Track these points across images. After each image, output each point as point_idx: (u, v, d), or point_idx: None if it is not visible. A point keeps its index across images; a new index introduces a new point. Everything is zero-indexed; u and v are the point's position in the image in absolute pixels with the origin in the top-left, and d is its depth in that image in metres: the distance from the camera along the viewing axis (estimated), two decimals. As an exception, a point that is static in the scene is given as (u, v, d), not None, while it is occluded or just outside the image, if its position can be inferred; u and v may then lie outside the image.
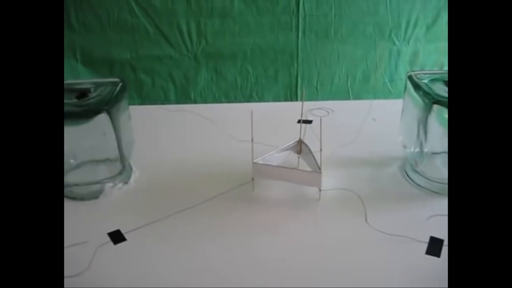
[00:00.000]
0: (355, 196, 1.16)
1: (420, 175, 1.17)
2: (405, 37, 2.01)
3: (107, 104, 1.07)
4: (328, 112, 1.60)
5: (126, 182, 1.22)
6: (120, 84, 1.15)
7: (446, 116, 1.04)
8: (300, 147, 1.19)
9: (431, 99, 1.03)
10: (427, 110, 1.05)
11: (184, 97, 2.06)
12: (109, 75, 1.96)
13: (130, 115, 1.26)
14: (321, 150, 1.09)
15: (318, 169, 1.09)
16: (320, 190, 1.10)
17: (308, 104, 1.55)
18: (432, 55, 2.02)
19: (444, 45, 2.00)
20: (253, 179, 1.15)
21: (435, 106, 1.04)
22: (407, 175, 1.20)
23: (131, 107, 1.27)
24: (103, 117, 1.08)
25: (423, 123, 1.07)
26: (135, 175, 1.27)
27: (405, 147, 1.23)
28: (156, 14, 1.94)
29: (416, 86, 1.10)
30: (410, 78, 1.14)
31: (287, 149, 1.18)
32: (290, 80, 2.05)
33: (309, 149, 1.15)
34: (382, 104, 1.79)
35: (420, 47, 2.02)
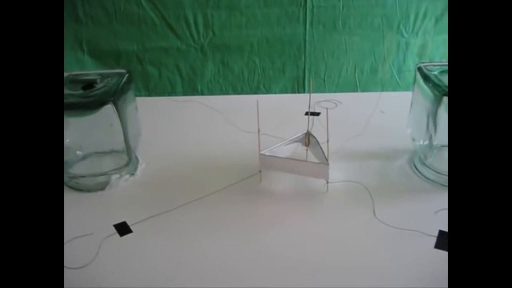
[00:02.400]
0: (363, 188, 1.15)
1: (429, 168, 1.15)
2: (414, 29, 1.98)
3: (113, 95, 1.06)
4: (336, 104, 1.58)
5: (133, 174, 1.22)
6: (126, 75, 1.15)
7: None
8: (308, 139, 1.17)
9: (441, 91, 1.02)
10: (437, 102, 1.03)
11: (191, 89, 2.05)
12: (115, 67, 1.95)
13: (137, 107, 1.26)
14: (328, 141, 1.07)
15: (325, 160, 1.08)
16: (327, 183, 1.08)
17: (316, 96, 1.53)
18: (440, 47, 1.99)
19: (453, 37, 1.97)
20: (260, 171, 1.14)
21: (445, 98, 1.02)
22: (416, 168, 1.19)
23: (138, 98, 1.27)
24: (109, 108, 1.07)
25: (433, 115, 1.06)
26: (141, 167, 1.26)
27: (414, 139, 1.21)
28: (163, 6, 1.93)
29: (426, 78, 1.09)
30: (419, 69, 1.12)
31: (295, 141, 1.17)
32: (298, 72, 2.04)
33: (317, 141, 1.14)
34: (391, 96, 1.78)
35: (429, 39, 1.99)
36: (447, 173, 1.13)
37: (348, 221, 1.07)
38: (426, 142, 1.12)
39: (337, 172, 1.18)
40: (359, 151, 1.30)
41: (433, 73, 1.09)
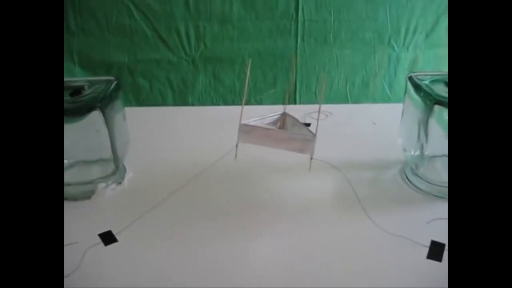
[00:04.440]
0: (354, 198, 1.13)
1: (421, 178, 1.14)
2: (405, 43, 2.00)
3: (101, 101, 1.05)
4: (326, 115, 1.57)
5: (120, 183, 1.19)
6: (115, 82, 1.13)
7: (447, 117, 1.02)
8: (283, 121, 1.13)
9: (432, 99, 1.01)
10: (428, 111, 1.03)
11: (182, 102, 2.04)
12: (106, 79, 1.94)
13: (125, 116, 1.24)
14: (319, 114, 1.05)
15: (311, 135, 1.03)
16: (311, 159, 1.03)
17: (306, 108, 1.53)
18: (431, 61, 2.00)
19: (443, 51, 1.98)
20: (236, 146, 1.08)
21: (436, 107, 1.02)
22: (408, 178, 1.18)
23: (128, 108, 1.25)
24: (96, 115, 1.06)
25: (424, 124, 1.05)
26: (129, 176, 1.24)
27: (405, 150, 1.20)
28: (155, 18, 1.93)
29: (417, 87, 1.08)
30: (410, 79, 1.12)
31: (269, 122, 1.12)
32: (289, 85, 2.04)
33: (297, 120, 1.10)
34: (382, 108, 1.77)
35: (420, 53, 2.01)
36: (438, 183, 1.12)
37: (338, 228, 1.05)
38: (418, 152, 1.11)
39: (328, 182, 1.17)
40: (350, 161, 1.29)
41: (424, 82, 1.09)
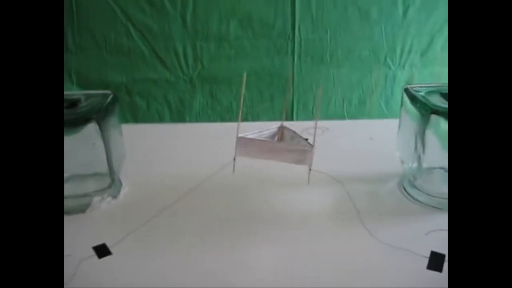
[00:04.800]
0: (353, 210, 1.12)
1: (419, 190, 1.13)
2: (400, 61, 2.02)
3: (97, 113, 1.04)
4: (323, 130, 1.57)
5: (115, 197, 1.18)
6: (111, 96, 1.13)
7: (444, 127, 1.02)
8: (282, 134, 1.13)
9: (428, 109, 1.01)
10: (425, 121, 1.03)
11: (179, 121, 2.04)
12: (103, 98, 1.94)
13: (121, 132, 1.24)
14: (316, 124, 1.05)
15: (309, 146, 1.03)
16: (310, 170, 1.02)
17: (303, 124, 1.52)
18: (427, 79, 2.02)
19: (438, 69, 2.00)
20: (234, 159, 1.08)
21: (433, 117, 1.02)
22: (406, 190, 1.17)
23: (124, 125, 1.25)
24: (92, 127, 1.05)
25: (421, 135, 1.05)
26: (125, 190, 1.22)
27: (403, 162, 1.20)
28: (153, 37, 1.95)
29: (413, 98, 1.09)
30: (406, 90, 1.12)
31: (267, 136, 1.11)
32: (286, 98, 2.04)
33: (294, 132, 1.10)
34: (379, 123, 1.77)
35: (415, 71, 2.03)
36: (437, 195, 1.11)
37: (337, 238, 1.04)
38: (415, 164, 1.10)
39: (325, 195, 1.16)
40: (347, 174, 1.28)
41: (420, 93, 1.09)
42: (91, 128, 1.05)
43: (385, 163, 1.29)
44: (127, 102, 2.01)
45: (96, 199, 1.14)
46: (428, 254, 0.96)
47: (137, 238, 1.04)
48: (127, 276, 0.94)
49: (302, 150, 1.02)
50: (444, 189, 0.91)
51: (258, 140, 1.05)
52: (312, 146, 1.01)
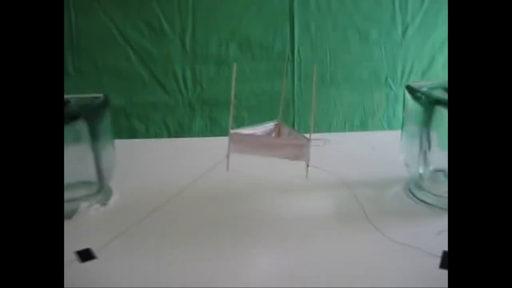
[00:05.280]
0: (361, 213, 1.05)
1: (427, 191, 1.07)
2: (402, 82, 1.98)
3: (86, 110, 1.00)
4: (324, 142, 1.52)
5: (105, 204, 1.12)
6: (102, 98, 1.10)
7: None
8: (279, 131, 1.07)
9: (432, 101, 0.97)
10: (429, 115, 0.98)
11: (178, 145, 2.00)
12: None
13: (113, 141, 1.20)
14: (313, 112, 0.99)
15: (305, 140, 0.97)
16: (308, 166, 0.96)
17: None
18: (430, 99, 1.98)
19: (441, 89, 1.97)
20: (227, 156, 1.02)
21: (437, 109, 0.97)
22: (413, 193, 1.11)
23: (119, 140, 1.22)
24: (81, 126, 1.01)
25: (426, 132, 1.00)
26: (115, 198, 1.17)
27: (407, 165, 1.14)
28: (152, 60, 1.93)
29: (416, 93, 1.05)
30: (408, 88, 1.08)
31: (262, 132, 1.06)
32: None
33: (292, 128, 1.05)
34: (380, 134, 1.73)
35: (418, 91, 1.99)
36: (444, 196, 1.05)
37: (348, 238, 0.98)
38: (421, 162, 1.05)
39: (330, 199, 1.10)
40: (351, 181, 1.22)
41: (422, 89, 1.05)
42: (80, 126, 1.01)
43: (387, 170, 1.25)
44: (126, 126, 1.97)
45: (84, 204, 1.08)
46: (439, 254, 0.89)
47: (125, 242, 0.97)
48: (112, 279, 0.87)
49: (299, 145, 0.97)
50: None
51: (253, 135, 1.01)
52: (308, 140, 0.96)
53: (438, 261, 0.88)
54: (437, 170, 1.09)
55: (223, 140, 1.68)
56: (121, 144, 1.21)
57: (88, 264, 0.92)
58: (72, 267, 0.91)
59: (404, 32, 1.95)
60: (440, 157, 1.05)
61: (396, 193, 1.15)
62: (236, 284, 0.84)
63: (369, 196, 1.14)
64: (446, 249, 0.90)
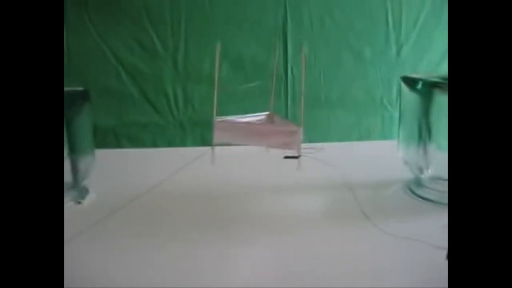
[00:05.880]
0: (359, 212, 0.97)
1: (427, 188, 1.00)
2: (397, 103, 1.94)
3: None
4: (318, 150, 1.46)
5: (79, 202, 1.03)
6: (81, 91, 1.04)
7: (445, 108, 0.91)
8: (271, 121, 1.00)
9: (430, 83, 0.92)
10: (427, 101, 0.93)
11: (167, 166, 1.92)
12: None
13: (92, 138, 1.15)
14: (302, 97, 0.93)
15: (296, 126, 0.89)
16: (299, 156, 0.88)
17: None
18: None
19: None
20: (212, 147, 0.94)
21: (435, 96, 0.91)
22: (413, 192, 1.03)
23: (107, 150, 1.16)
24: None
25: (425, 116, 0.94)
26: (90, 196, 1.08)
27: (406, 163, 1.07)
28: (143, 80, 1.90)
29: (412, 81, 0.99)
30: (404, 78, 1.03)
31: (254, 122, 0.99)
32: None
33: (286, 119, 0.98)
34: (373, 144, 1.67)
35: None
36: (445, 191, 0.97)
37: (350, 237, 0.91)
38: (421, 152, 0.98)
39: (330, 200, 1.03)
40: (349, 183, 1.15)
41: (419, 77, 1.00)
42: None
43: (385, 173, 1.20)
44: (114, 147, 1.90)
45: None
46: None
47: (96, 235, 0.89)
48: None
49: (289, 131, 0.91)
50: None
51: (240, 122, 0.94)
52: (299, 126, 0.90)
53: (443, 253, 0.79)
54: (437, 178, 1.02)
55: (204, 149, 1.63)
56: (106, 153, 1.14)
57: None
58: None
59: (398, 52, 1.93)
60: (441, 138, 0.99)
61: (395, 193, 1.08)
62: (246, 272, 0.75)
63: (368, 196, 1.07)
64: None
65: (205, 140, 1.94)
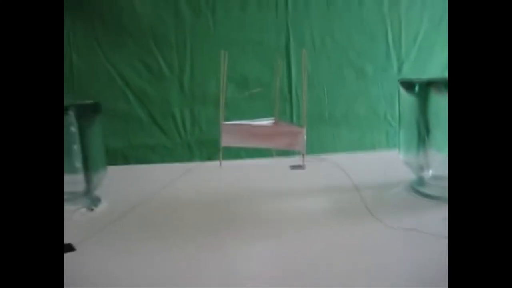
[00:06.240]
0: (364, 209, 0.99)
1: (430, 185, 1.01)
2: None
3: (75, 106, 0.99)
4: (320, 161, 1.48)
5: (92, 209, 1.06)
6: (94, 104, 1.09)
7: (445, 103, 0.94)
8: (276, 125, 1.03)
9: (427, 82, 0.95)
10: (424, 97, 0.96)
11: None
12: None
13: (103, 146, 1.19)
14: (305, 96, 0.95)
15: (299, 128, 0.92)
16: (303, 155, 0.91)
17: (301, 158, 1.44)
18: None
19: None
20: (219, 150, 0.96)
21: (431, 92, 0.95)
22: (416, 191, 1.05)
23: (121, 167, 1.18)
24: (70, 120, 0.99)
25: (423, 118, 0.97)
26: (102, 205, 1.11)
27: (407, 163, 1.09)
28: (151, 102, 1.94)
29: (410, 85, 1.04)
30: (402, 82, 1.07)
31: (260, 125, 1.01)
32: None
33: (290, 123, 1.01)
34: (374, 155, 1.68)
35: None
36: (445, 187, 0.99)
37: (356, 232, 0.92)
38: (421, 152, 1.00)
39: (334, 199, 1.05)
40: (352, 186, 1.16)
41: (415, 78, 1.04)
42: (69, 120, 0.99)
43: (387, 177, 1.21)
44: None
45: (70, 208, 1.02)
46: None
47: (106, 238, 0.91)
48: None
49: (293, 132, 0.94)
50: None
51: (246, 124, 0.98)
52: (302, 127, 0.93)
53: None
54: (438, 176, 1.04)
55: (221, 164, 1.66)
56: (117, 168, 1.18)
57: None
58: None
59: (400, 68, 1.97)
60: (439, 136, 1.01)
61: (398, 193, 1.10)
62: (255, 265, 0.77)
63: (371, 195, 1.09)
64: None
65: (212, 160, 1.97)
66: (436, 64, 1.96)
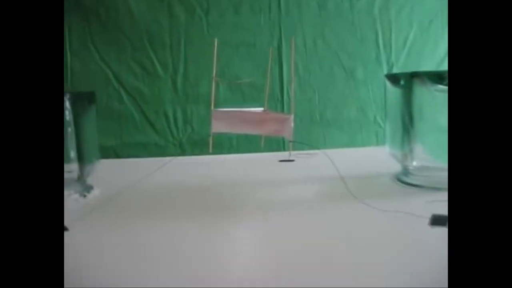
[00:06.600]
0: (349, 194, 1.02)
1: (414, 175, 1.05)
2: (390, 118, 2.02)
3: (70, 94, 1.01)
4: (311, 155, 1.51)
5: (84, 196, 1.08)
6: (89, 93, 1.12)
7: (429, 95, 0.98)
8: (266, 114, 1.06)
9: (410, 73, 1.00)
10: (408, 88, 1.00)
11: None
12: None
13: (97, 136, 1.22)
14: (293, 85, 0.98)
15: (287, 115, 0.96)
16: (291, 142, 0.94)
17: (293, 153, 1.47)
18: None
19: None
20: (209, 136, 0.99)
21: (415, 84, 0.99)
22: (401, 180, 1.08)
23: (112, 160, 1.20)
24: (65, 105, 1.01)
25: (407, 106, 1.01)
26: (95, 192, 1.13)
27: (393, 155, 1.13)
28: (144, 101, 1.97)
29: (395, 78, 1.08)
30: (387, 76, 1.12)
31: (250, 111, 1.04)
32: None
33: (281, 112, 1.04)
34: (363, 150, 1.71)
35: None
36: (431, 176, 1.03)
37: (341, 215, 0.95)
38: (406, 141, 1.04)
39: (321, 187, 1.07)
40: (341, 176, 1.19)
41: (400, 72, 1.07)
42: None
43: (375, 168, 1.24)
44: (115, 164, 1.96)
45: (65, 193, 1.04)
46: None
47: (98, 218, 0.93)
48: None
49: (281, 119, 0.97)
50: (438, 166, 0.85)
51: (236, 111, 1.01)
52: (290, 114, 0.97)
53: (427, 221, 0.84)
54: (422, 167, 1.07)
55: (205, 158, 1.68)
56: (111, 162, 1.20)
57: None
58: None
59: (390, 71, 2.00)
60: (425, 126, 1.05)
61: (384, 183, 1.13)
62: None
63: (357, 184, 1.12)
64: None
65: (203, 155, 1.99)
66: (426, 67, 2.00)
